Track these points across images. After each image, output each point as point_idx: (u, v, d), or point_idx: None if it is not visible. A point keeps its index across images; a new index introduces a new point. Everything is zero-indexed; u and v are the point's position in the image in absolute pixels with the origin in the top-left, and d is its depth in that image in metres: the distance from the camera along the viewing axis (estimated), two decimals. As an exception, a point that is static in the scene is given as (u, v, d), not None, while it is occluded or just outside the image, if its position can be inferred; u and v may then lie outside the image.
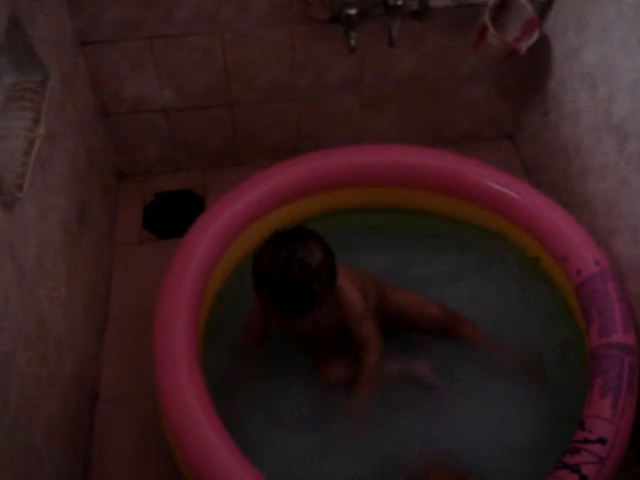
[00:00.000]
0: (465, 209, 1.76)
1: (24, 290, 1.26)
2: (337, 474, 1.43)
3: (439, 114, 2.13)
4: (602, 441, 1.27)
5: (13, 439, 1.16)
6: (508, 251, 1.73)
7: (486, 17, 1.71)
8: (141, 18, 1.75)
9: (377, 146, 1.84)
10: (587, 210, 1.73)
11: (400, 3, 1.72)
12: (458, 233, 1.78)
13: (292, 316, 1.34)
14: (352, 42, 1.77)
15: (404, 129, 2.15)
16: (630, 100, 1.53)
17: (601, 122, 1.65)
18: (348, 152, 1.78)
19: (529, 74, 2.02)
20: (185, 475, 1.34)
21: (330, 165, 1.74)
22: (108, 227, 1.95)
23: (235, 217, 1.63)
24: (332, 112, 2.06)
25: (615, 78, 1.59)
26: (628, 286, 1.54)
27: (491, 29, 1.70)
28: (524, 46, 1.76)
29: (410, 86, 2.03)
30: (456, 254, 1.75)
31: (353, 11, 1.73)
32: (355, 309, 1.45)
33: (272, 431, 1.47)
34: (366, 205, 1.76)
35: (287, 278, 1.30)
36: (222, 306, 1.64)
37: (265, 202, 1.68)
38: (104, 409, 1.66)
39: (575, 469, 1.23)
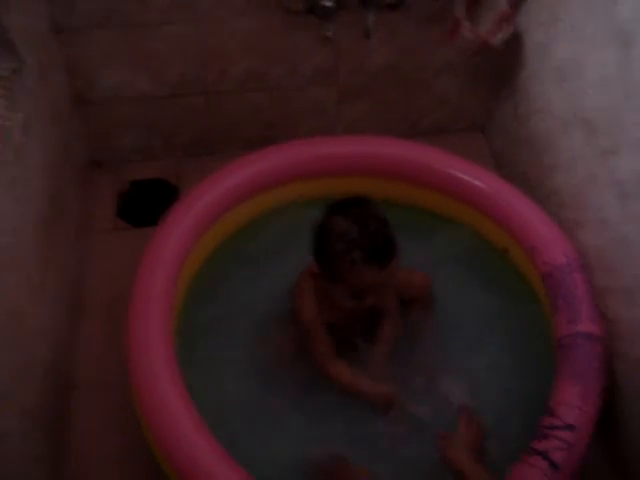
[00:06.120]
0: (433, 199, 1.78)
1: (-3, 278, 1.26)
2: None
3: (412, 106, 2.15)
4: (570, 428, 1.30)
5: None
6: (476, 242, 1.76)
7: (461, 10, 1.73)
8: (117, 6, 1.74)
9: (348, 137, 1.87)
10: (555, 202, 1.77)
11: (376, -5, 1.74)
12: (425, 223, 1.80)
13: (383, 265, 1.37)
14: (327, 33, 1.78)
15: (378, 120, 2.17)
16: (599, 95, 1.56)
17: (570, 116, 1.68)
18: (322, 142, 1.80)
19: (501, 67, 2.04)
20: (161, 463, 1.35)
21: (305, 154, 1.75)
22: (82, 215, 1.94)
23: (209, 206, 1.64)
24: (306, 102, 2.07)
25: (585, 73, 1.62)
26: (593, 277, 1.58)
27: (465, 22, 1.72)
28: (498, 39, 1.78)
29: (384, 77, 2.05)
30: (424, 245, 1.76)
31: (329, 3, 1.73)
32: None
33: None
34: (338, 195, 1.78)
35: (371, 230, 1.38)
36: (196, 294, 1.65)
37: (239, 191, 1.69)
38: (80, 396, 1.66)
39: (544, 455, 1.25)
